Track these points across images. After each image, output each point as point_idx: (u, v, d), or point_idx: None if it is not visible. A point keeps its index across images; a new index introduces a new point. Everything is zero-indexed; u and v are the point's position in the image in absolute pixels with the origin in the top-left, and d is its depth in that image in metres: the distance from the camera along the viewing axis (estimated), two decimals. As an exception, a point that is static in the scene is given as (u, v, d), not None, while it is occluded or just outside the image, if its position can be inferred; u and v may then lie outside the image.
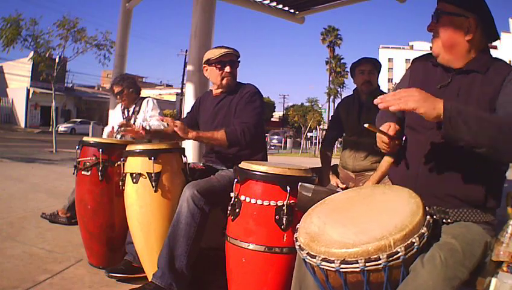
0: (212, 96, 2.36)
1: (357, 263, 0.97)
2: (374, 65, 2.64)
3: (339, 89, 42.43)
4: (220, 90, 2.32)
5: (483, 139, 1.05)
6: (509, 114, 1.12)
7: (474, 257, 1.11)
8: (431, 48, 1.37)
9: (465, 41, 1.26)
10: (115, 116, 3.42)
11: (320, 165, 2.81)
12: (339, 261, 0.98)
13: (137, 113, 3.21)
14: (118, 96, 3.26)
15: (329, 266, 1.00)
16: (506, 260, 1.06)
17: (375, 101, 1.10)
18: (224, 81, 2.24)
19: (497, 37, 1.33)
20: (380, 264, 0.96)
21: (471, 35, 1.25)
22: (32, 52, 11.11)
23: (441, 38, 1.30)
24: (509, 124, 1.05)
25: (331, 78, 43.90)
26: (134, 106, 3.27)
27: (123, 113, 3.31)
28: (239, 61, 2.29)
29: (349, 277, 1.00)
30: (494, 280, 1.05)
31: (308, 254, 1.05)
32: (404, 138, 1.40)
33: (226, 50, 2.21)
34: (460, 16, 1.25)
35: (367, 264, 0.96)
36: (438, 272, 0.99)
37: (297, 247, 1.11)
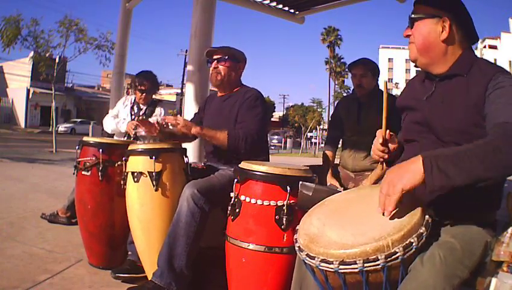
0: (217, 97, 2.40)
1: (356, 263, 0.97)
2: (365, 68, 2.59)
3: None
4: (221, 89, 2.35)
5: (469, 179, 0.99)
6: (491, 136, 1.05)
7: (474, 255, 1.11)
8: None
9: (440, 42, 1.24)
10: (122, 108, 3.39)
11: (319, 164, 2.80)
12: (337, 262, 0.98)
13: (149, 117, 3.25)
14: (138, 90, 3.26)
15: (328, 267, 1.00)
16: (506, 260, 1.06)
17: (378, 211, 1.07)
18: (212, 78, 2.31)
19: (477, 38, 1.31)
20: (378, 264, 0.96)
21: (446, 35, 1.23)
22: (32, 52, 11.12)
23: (415, 42, 1.28)
24: (490, 151, 0.97)
25: (331, 78, 44.03)
26: (146, 106, 3.32)
27: (132, 109, 3.32)
28: (230, 59, 2.27)
29: (348, 277, 1.00)
30: (494, 280, 1.05)
31: (307, 255, 1.05)
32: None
33: (209, 48, 2.31)
34: (434, 16, 1.24)
35: (365, 264, 0.97)
36: (438, 271, 0.99)
37: (296, 248, 1.11)
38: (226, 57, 2.26)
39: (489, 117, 1.14)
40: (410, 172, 1.01)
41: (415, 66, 1.36)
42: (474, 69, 1.22)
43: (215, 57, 2.28)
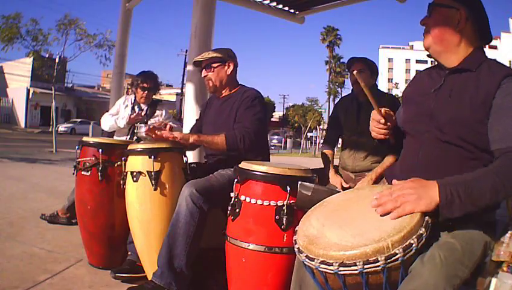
0: (216, 99, 2.40)
1: (356, 265, 0.97)
2: (363, 64, 2.57)
3: (339, 89, 42.68)
4: (218, 93, 2.35)
5: (484, 205, 1.08)
6: (501, 164, 1.12)
7: (474, 255, 1.11)
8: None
9: (455, 32, 1.28)
10: (122, 108, 3.39)
11: (320, 166, 2.79)
12: (337, 264, 0.98)
13: (150, 118, 3.26)
14: (140, 88, 3.26)
15: (327, 269, 1.00)
16: (506, 260, 1.06)
17: (372, 204, 1.12)
18: (207, 87, 2.33)
19: (491, 38, 1.34)
20: (378, 266, 0.96)
21: (461, 26, 1.27)
22: (31, 52, 11.12)
23: (431, 31, 1.32)
24: (502, 181, 1.06)
25: (331, 78, 44.04)
26: (146, 107, 3.32)
27: (132, 109, 3.32)
28: (214, 62, 2.26)
29: (348, 279, 1.00)
30: (494, 280, 1.05)
31: (307, 256, 1.05)
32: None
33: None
34: (451, 7, 1.28)
35: (365, 266, 0.96)
36: (439, 271, 0.99)
37: (296, 250, 1.11)
38: (210, 63, 2.26)
39: (496, 133, 1.16)
40: (428, 198, 1.06)
41: (428, 55, 1.38)
42: (484, 67, 1.25)
43: (203, 64, 2.30)
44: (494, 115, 1.18)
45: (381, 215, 1.08)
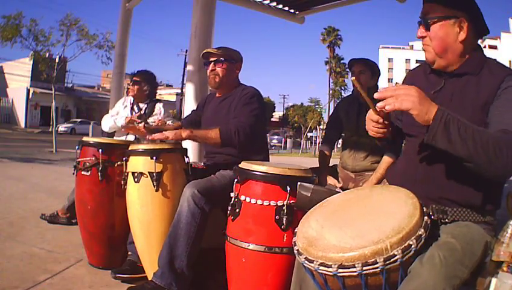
0: (215, 98, 2.40)
1: (354, 267, 0.97)
2: (364, 65, 2.58)
3: (341, 91, 42.72)
4: (220, 90, 2.34)
5: (464, 155, 1.04)
6: (498, 133, 1.09)
7: (475, 256, 1.11)
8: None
9: (458, 43, 1.23)
10: (121, 109, 3.39)
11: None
12: (336, 266, 0.99)
13: (148, 116, 3.26)
14: (132, 83, 3.27)
15: (327, 271, 1.00)
16: (506, 260, 1.06)
17: (375, 95, 1.08)
18: (210, 80, 2.30)
19: (487, 31, 1.29)
20: (377, 267, 0.96)
21: (464, 35, 1.21)
22: (32, 52, 11.12)
23: (433, 46, 1.25)
24: (496, 143, 1.03)
25: (331, 79, 44.05)
26: (145, 106, 3.32)
27: (132, 109, 3.32)
28: (227, 60, 2.26)
29: (347, 280, 1.00)
30: (494, 280, 1.05)
31: (306, 258, 1.05)
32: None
33: (205, 51, 2.30)
34: (450, 17, 1.21)
35: (364, 268, 0.97)
36: (438, 271, 0.99)
37: (295, 251, 1.11)
38: (223, 59, 2.25)
39: (495, 119, 1.15)
40: (425, 108, 1.03)
41: (430, 67, 1.34)
42: (485, 70, 1.23)
43: (211, 59, 2.27)
44: (493, 107, 1.17)
45: (378, 105, 1.06)
